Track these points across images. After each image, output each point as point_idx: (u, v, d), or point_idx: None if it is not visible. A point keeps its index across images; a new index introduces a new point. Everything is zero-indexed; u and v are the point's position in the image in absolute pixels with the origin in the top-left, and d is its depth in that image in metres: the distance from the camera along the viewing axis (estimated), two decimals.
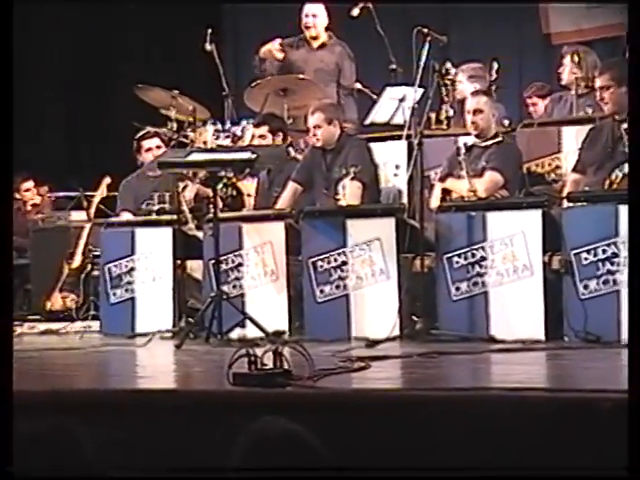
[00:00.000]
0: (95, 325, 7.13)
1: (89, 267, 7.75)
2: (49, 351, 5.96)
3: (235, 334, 6.14)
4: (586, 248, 5.48)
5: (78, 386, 4.64)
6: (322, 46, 8.11)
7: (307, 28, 8.08)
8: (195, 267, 6.79)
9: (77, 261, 7.89)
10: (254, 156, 6.22)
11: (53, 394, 3.96)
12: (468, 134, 6.57)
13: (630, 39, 4.70)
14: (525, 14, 9.62)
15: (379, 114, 7.52)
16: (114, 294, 6.92)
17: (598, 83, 6.06)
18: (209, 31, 7.71)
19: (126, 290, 6.89)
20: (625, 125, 5.71)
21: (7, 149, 4.12)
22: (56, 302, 7.80)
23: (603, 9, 9.30)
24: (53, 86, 10.39)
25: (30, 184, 9.03)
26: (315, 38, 8.09)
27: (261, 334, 6.01)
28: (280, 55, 8.00)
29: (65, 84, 10.45)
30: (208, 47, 7.73)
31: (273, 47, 8.02)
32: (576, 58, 7.07)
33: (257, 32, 10.33)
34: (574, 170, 6.16)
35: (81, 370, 5.27)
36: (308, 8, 8.11)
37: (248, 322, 6.17)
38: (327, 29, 8.14)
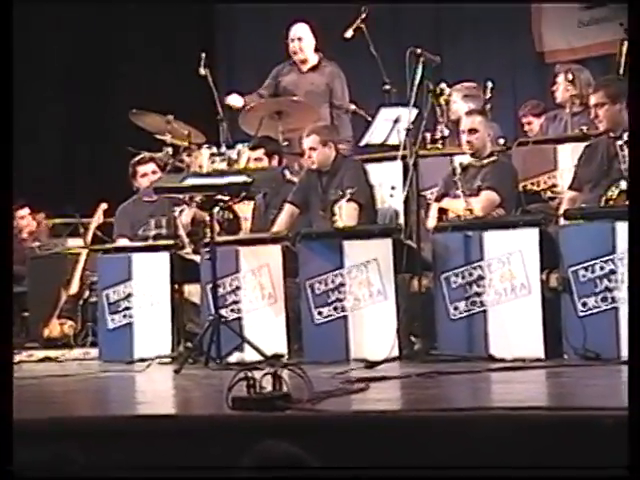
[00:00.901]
0: (94, 351, 7.11)
1: (87, 293, 7.75)
2: (48, 378, 5.94)
3: (234, 358, 6.14)
4: (584, 265, 5.48)
5: (78, 413, 4.63)
6: (312, 68, 8.09)
7: (294, 53, 8.07)
8: (193, 291, 6.78)
9: (74, 288, 7.88)
10: (250, 179, 6.23)
11: (53, 421, 3.95)
12: (463, 153, 6.58)
13: (630, 39, 4.70)
14: (518, 33, 9.65)
15: (374, 135, 7.53)
16: (112, 320, 6.91)
17: (592, 101, 6.08)
18: (203, 55, 7.72)
19: (124, 316, 6.87)
20: (620, 142, 5.72)
21: (7, 175, 4.13)
22: (54, 329, 7.79)
23: (596, 27, 9.34)
24: (49, 110, 10.40)
25: (26, 211, 9.02)
26: (304, 61, 8.08)
27: (260, 357, 6.00)
28: (239, 104, 7.93)
29: (61, 109, 10.46)
30: (202, 71, 7.73)
31: (231, 101, 7.95)
32: (570, 76, 7.08)
33: (251, 56, 10.39)
34: (570, 188, 6.16)
35: (80, 397, 5.26)
36: (294, 32, 8.08)
37: (247, 345, 6.16)
38: (317, 50, 8.13)
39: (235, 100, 7.95)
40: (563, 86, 7.19)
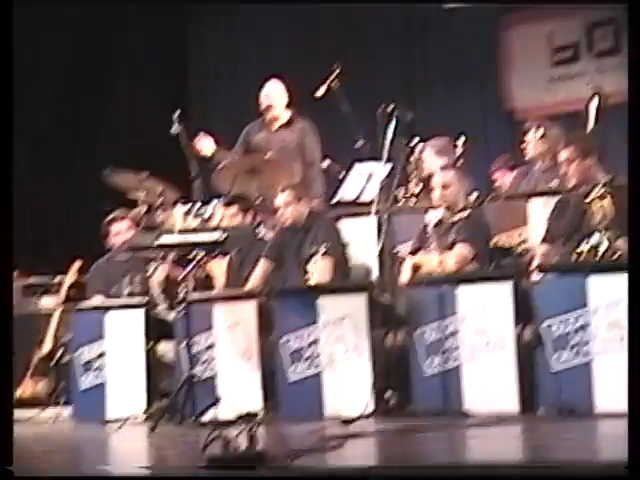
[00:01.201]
0: (67, 411, 7.05)
1: (60, 352, 7.69)
2: (20, 439, 5.87)
3: (208, 416, 6.10)
4: (557, 319, 5.50)
5: (51, 474, 4.58)
6: (284, 125, 8.10)
7: (266, 110, 8.09)
8: (167, 349, 6.76)
9: (47, 346, 7.83)
10: (224, 236, 6.24)
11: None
12: (436, 208, 6.61)
13: (630, 39, 4.75)
14: (489, 88, 9.76)
15: (347, 191, 7.56)
16: (85, 379, 6.87)
17: (563, 156, 6.14)
18: (176, 113, 7.75)
19: (97, 375, 6.84)
20: (591, 197, 5.77)
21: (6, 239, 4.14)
22: (27, 389, 7.72)
23: (565, 83, 9.46)
24: (20, 168, 10.38)
25: None
26: (276, 118, 8.09)
27: (234, 415, 5.97)
28: (209, 152, 7.93)
29: (33, 165, 10.46)
30: (176, 128, 7.75)
31: (202, 147, 7.93)
32: (540, 132, 7.15)
33: (224, 113, 10.44)
34: (543, 242, 6.20)
35: (53, 457, 5.21)
36: (266, 89, 8.07)
37: (221, 403, 6.13)
38: (288, 106, 8.15)
39: (206, 146, 7.91)
40: (534, 142, 7.26)
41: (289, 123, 8.07)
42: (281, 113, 8.08)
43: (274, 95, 8.04)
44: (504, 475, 3.56)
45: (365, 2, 9.88)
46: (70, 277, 8.04)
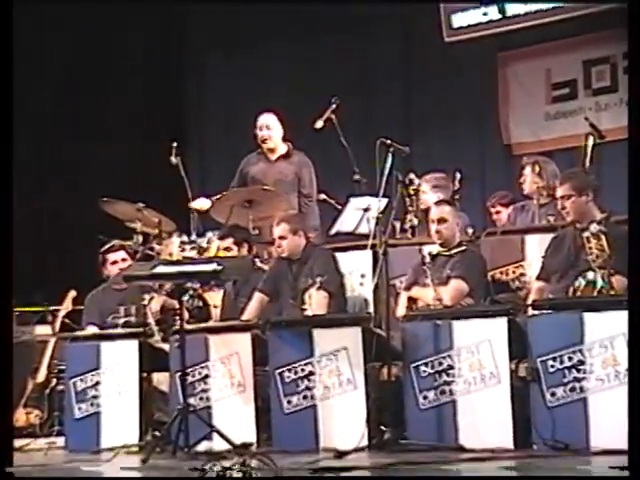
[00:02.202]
0: (60, 441, 7.02)
1: (54, 382, 7.68)
2: (12, 469, 5.85)
3: (202, 447, 6.08)
4: (552, 355, 5.50)
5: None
6: (280, 157, 8.12)
7: (263, 142, 8.11)
8: (161, 379, 6.74)
9: (42, 376, 7.81)
10: (220, 267, 6.24)
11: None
12: (433, 243, 6.62)
13: (630, 39, 4.77)
14: (486, 124, 9.81)
15: (344, 224, 7.58)
16: (79, 409, 6.85)
17: (559, 193, 6.16)
18: (174, 144, 7.77)
19: (91, 404, 6.81)
20: (587, 233, 5.79)
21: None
22: (20, 418, 7.69)
23: (562, 120, 9.51)
24: (15, 197, 10.37)
25: None
26: (272, 150, 8.12)
27: (228, 447, 5.96)
28: (206, 207, 7.97)
29: (29, 197, 10.46)
30: (173, 160, 7.76)
31: (197, 205, 7.97)
32: (537, 168, 7.19)
33: (222, 144, 10.48)
34: (538, 278, 6.22)
35: None
36: (262, 121, 8.10)
37: (215, 435, 6.11)
38: (285, 139, 8.19)
39: (202, 203, 7.96)
40: (530, 178, 7.28)
41: (286, 155, 8.11)
42: (278, 145, 8.11)
43: (271, 127, 8.08)
44: None
45: (362, 1, 9.92)
46: (65, 306, 8.03)
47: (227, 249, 7.14)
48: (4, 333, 4.44)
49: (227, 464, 3.99)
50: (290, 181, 7.99)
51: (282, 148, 8.14)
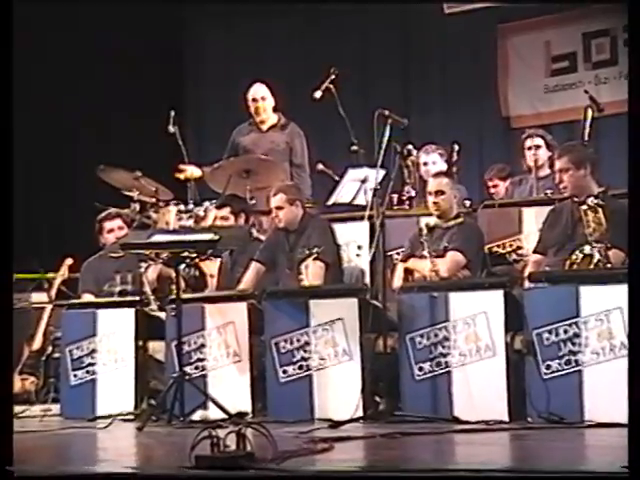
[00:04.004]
0: (55, 408, 7.04)
1: (50, 349, 7.68)
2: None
3: (197, 416, 6.11)
4: (548, 328, 5.51)
5: (38, 471, 4.57)
6: (271, 127, 8.12)
7: (256, 112, 8.10)
8: (157, 348, 6.75)
9: (38, 343, 7.82)
10: (217, 237, 6.24)
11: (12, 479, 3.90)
12: (430, 215, 6.62)
13: (630, 39, 4.76)
14: (485, 97, 9.78)
15: (341, 195, 7.57)
16: (75, 376, 6.86)
17: (557, 166, 6.15)
18: (172, 113, 7.75)
19: (87, 372, 6.83)
20: (584, 207, 5.78)
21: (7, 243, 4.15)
22: (16, 385, 7.70)
23: (562, 93, 9.48)
24: (14, 166, 10.35)
25: None
26: (263, 121, 8.11)
27: (224, 416, 5.97)
28: (197, 174, 7.97)
29: (26, 166, 10.44)
30: (171, 129, 7.75)
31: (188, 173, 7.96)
32: (535, 141, 7.24)
33: (219, 114, 10.45)
34: (535, 251, 6.22)
35: (41, 454, 5.19)
36: (254, 92, 8.10)
37: (210, 403, 6.13)
38: (276, 109, 8.17)
39: (194, 172, 7.95)
40: (528, 151, 7.29)
41: (277, 125, 8.10)
42: (270, 115, 8.11)
43: (263, 97, 8.07)
44: None
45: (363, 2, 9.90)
46: (61, 274, 8.03)
47: (224, 219, 7.13)
48: (4, 304, 4.43)
49: (222, 433, 3.99)
50: (282, 151, 7.99)
51: (273, 118, 8.13)
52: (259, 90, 8.10)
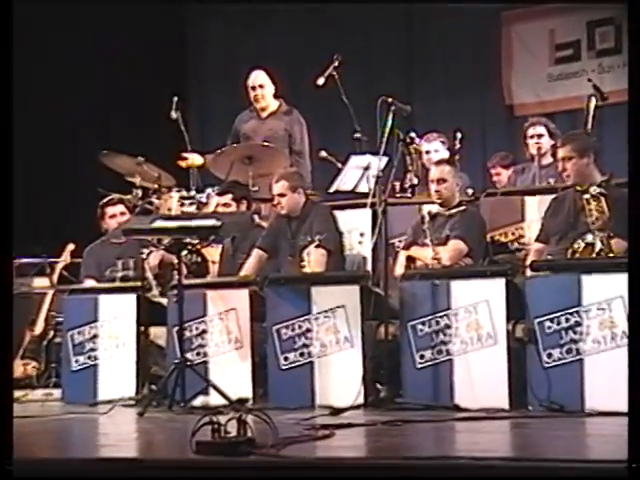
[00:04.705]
0: (57, 393, 7.05)
1: (51, 334, 7.69)
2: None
3: (198, 402, 6.11)
4: (549, 317, 5.51)
5: (39, 455, 4.58)
6: (271, 114, 8.10)
7: (255, 100, 8.09)
8: (159, 334, 6.75)
9: (39, 328, 7.83)
10: (219, 223, 6.24)
11: (14, 464, 3.91)
12: (432, 202, 6.62)
13: (630, 39, 4.75)
14: (488, 85, 9.76)
15: (344, 182, 7.57)
16: (76, 361, 6.87)
17: (560, 154, 6.14)
18: (175, 99, 7.75)
19: (89, 357, 6.84)
20: (587, 195, 5.78)
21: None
22: (17, 369, 7.71)
23: (565, 82, 9.47)
24: (15, 151, 10.32)
25: None
26: (264, 108, 8.10)
27: (225, 402, 5.98)
28: (199, 162, 7.97)
29: (28, 151, 10.42)
30: (174, 115, 7.75)
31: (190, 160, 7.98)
32: (538, 130, 7.24)
33: (222, 100, 10.43)
34: (537, 239, 6.22)
35: (42, 439, 5.21)
36: (253, 80, 8.07)
37: (212, 389, 6.14)
38: (276, 96, 8.16)
39: (195, 160, 7.95)
40: (531, 139, 7.28)
41: (277, 112, 8.09)
42: (270, 103, 8.09)
43: (262, 84, 8.05)
44: (491, 469, 3.57)
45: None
46: (63, 259, 8.04)
47: (226, 205, 7.13)
48: (5, 289, 4.44)
49: (223, 419, 4.00)
50: (280, 137, 7.97)
51: (273, 105, 8.12)
52: (257, 78, 8.08)
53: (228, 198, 7.15)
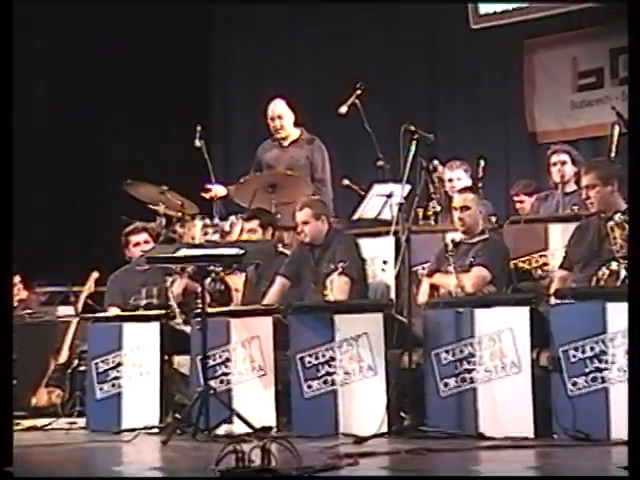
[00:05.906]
0: (81, 421, 7.06)
1: (76, 362, 7.71)
2: (34, 448, 5.89)
3: (222, 430, 6.10)
4: (574, 345, 5.49)
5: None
6: (293, 143, 8.10)
7: (275, 131, 8.10)
8: (182, 362, 6.76)
9: (64, 356, 7.85)
10: (242, 251, 6.25)
11: None
12: (455, 230, 6.61)
13: (630, 39, 4.75)
14: (511, 112, 9.76)
15: (367, 210, 7.56)
16: (100, 389, 6.88)
17: (584, 182, 6.13)
18: (199, 128, 7.78)
19: (113, 385, 6.85)
20: (611, 223, 5.77)
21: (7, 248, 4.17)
22: (42, 398, 7.74)
23: (588, 109, 9.45)
24: (40, 179, 10.41)
25: (17, 279, 9.00)
26: (285, 137, 8.11)
27: (248, 430, 5.97)
28: (222, 193, 8.00)
29: (53, 179, 10.49)
30: (198, 143, 7.78)
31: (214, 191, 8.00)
32: (561, 157, 7.23)
33: (246, 129, 10.47)
34: (561, 267, 6.20)
35: (66, 467, 5.21)
36: (272, 110, 8.07)
37: (235, 418, 6.14)
38: (297, 124, 8.18)
39: (219, 191, 7.99)
40: (555, 167, 7.27)
41: (299, 140, 8.10)
42: (290, 132, 8.11)
43: (282, 115, 8.06)
44: None
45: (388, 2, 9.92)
46: (88, 287, 8.07)
47: (252, 231, 7.15)
48: (4, 304, 4.45)
49: (247, 448, 3.99)
50: (302, 166, 7.98)
51: (294, 134, 8.13)
52: (276, 108, 8.09)
53: (255, 224, 7.17)
